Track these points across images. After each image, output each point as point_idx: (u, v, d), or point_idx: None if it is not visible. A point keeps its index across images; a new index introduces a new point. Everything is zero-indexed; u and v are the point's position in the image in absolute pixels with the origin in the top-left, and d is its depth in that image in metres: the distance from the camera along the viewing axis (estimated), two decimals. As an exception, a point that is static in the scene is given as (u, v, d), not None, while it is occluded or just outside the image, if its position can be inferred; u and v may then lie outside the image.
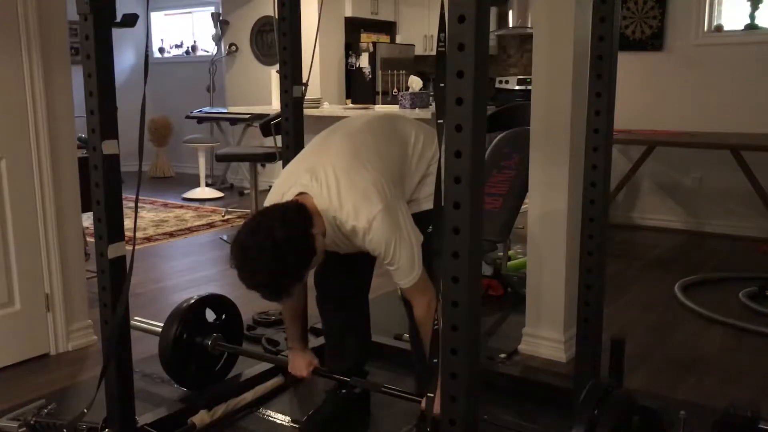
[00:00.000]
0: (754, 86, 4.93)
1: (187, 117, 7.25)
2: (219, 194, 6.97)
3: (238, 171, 7.56)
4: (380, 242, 1.87)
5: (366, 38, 7.39)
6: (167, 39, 8.79)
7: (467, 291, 1.32)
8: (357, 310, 2.40)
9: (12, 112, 2.73)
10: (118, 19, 1.88)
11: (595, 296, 2.16)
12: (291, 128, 2.66)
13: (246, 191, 6.95)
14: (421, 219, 2.01)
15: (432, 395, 1.56)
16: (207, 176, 7.36)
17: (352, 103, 6.99)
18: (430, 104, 5.36)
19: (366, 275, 2.35)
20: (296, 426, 2.33)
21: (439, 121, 1.37)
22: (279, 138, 2.88)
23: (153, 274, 4.19)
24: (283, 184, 2.01)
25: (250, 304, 2.89)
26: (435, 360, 1.41)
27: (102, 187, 1.91)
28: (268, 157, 5.28)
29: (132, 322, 2.57)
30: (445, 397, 1.38)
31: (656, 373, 2.74)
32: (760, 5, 5.06)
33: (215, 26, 7.81)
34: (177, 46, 8.75)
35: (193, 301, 2.50)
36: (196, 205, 6.53)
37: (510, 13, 7.16)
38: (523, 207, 3.43)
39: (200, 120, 7.24)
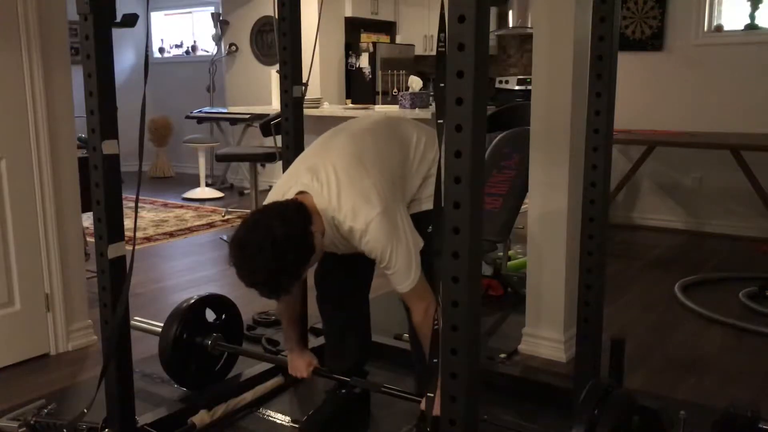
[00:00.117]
0: (754, 86, 4.93)
1: (187, 117, 7.25)
2: (219, 194, 6.97)
3: (238, 171, 7.56)
4: (376, 245, 1.87)
5: (366, 38, 7.39)
6: (167, 39, 8.79)
7: (467, 291, 1.32)
8: (357, 310, 2.40)
9: (12, 112, 2.73)
10: (118, 19, 1.87)
11: (595, 296, 2.16)
12: (291, 128, 2.66)
13: (246, 191, 6.95)
14: (421, 219, 2.01)
15: (432, 395, 1.56)
16: (207, 176, 7.36)
17: (352, 103, 6.99)
18: (430, 104, 5.36)
19: (366, 275, 2.35)
20: (296, 426, 2.33)
21: (439, 121, 1.37)
22: (279, 138, 2.88)
23: (153, 274, 4.19)
24: (284, 184, 2.01)
25: (250, 304, 2.89)
26: (435, 360, 1.41)
27: (102, 187, 1.91)
28: (268, 157, 5.28)
29: (132, 322, 2.57)
30: (445, 397, 1.38)
31: (656, 373, 2.74)
32: (760, 5, 5.05)
33: (215, 26, 7.81)
34: (177, 46, 8.75)
35: (193, 301, 2.50)
36: (196, 205, 6.53)
37: (510, 13, 7.16)
38: (523, 207, 3.43)
39: (200, 120, 7.24)
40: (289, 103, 2.64)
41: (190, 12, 8.59)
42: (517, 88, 7.20)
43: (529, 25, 6.92)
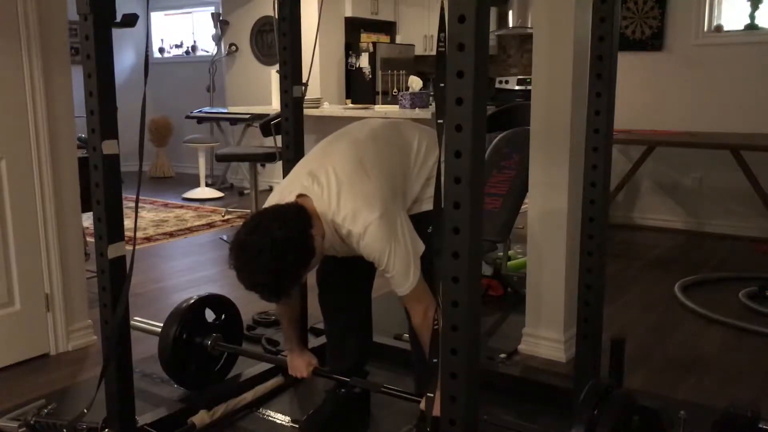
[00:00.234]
0: (754, 86, 4.93)
1: (187, 117, 7.25)
2: (219, 194, 6.97)
3: (238, 171, 7.56)
4: (374, 249, 1.88)
5: (366, 38, 7.39)
6: (167, 39, 8.79)
7: (467, 291, 1.32)
8: (358, 311, 2.40)
9: (12, 112, 2.73)
10: (118, 19, 1.87)
11: (595, 296, 2.16)
12: (291, 128, 2.66)
13: (246, 191, 6.95)
14: (422, 219, 2.02)
15: (432, 395, 1.56)
16: (207, 176, 7.36)
17: (352, 103, 6.99)
18: (430, 104, 5.36)
19: (368, 276, 2.35)
20: (296, 426, 2.33)
21: (439, 121, 1.37)
22: (279, 138, 2.88)
23: (153, 274, 4.19)
24: (284, 187, 2.02)
25: (250, 305, 2.89)
26: (435, 360, 1.41)
27: (102, 187, 1.91)
28: (268, 157, 5.28)
29: (132, 322, 2.57)
30: (445, 397, 1.38)
31: (656, 373, 2.74)
32: (760, 5, 5.05)
33: (215, 26, 7.81)
34: (177, 46, 8.75)
35: (192, 301, 2.50)
36: (196, 205, 6.53)
37: (510, 13, 7.16)
38: (523, 207, 3.43)
39: (200, 120, 7.24)
40: (289, 103, 2.64)
41: (190, 12, 8.59)
42: (517, 88, 7.20)
43: (529, 25, 6.91)
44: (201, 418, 2.27)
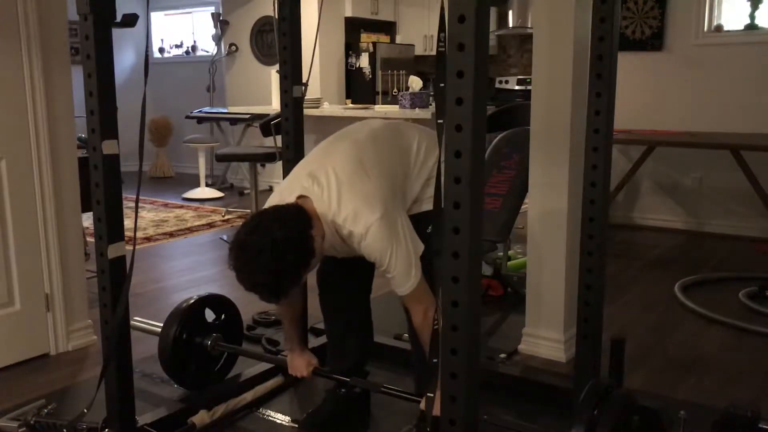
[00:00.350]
0: (754, 86, 4.93)
1: (187, 117, 7.25)
2: (219, 194, 6.97)
3: (238, 171, 7.56)
4: (375, 249, 1.88)
5: (366, 38, 7.39)
6: (167, 39, 8.78)
7: (467, 291, 1.32)
8: (358, 311, 2.40)
9: (12, 112, 2.73)
10: (118, 19, 1.87)
11: (595, 296, 2.15)
12: (291, 128, 2.66)
13: (246, 191, 6.95)
14: (422, 219, 2.02)
15: (432, 395, 1.56)
16: (207, 176, 7.36)
17: (352, 103, 6.99)
18: (430, 104, 5.36)
19: (367, 276, 2.35)
20: (296, 426, 2.33)
21: (439, 121, 1.37)
22: (279, 138, 2.88)
23: (153, 274, 4.19)
24: (284, 188, 2.02)
25: (250, 305, 2.89)
26: (435, 360, 1.41)
27: (102, 187, 1.91)
28: (268, 157, 5.28)
29: (132, 322, 2.57)
30: (445, 397, 1.38)
31: (656, 373, 2.74)
32: (760, 5, 5.05)
33: (215, 26, 7.81)
34: (177, 46, 8.75)
35: (192, 301, 2.50)
36: (196, 205, 6.53)
37: (510, 13, 7.16)
38: (523, 207, 3.43)
39: (200, 120, 7.24)
40: (289, 103, 2.64)
41: (190, 12, 8.59)
42: (517, 88, 7.20)
43: (529, 25, 6.92)
44: (201, 418, 2.27)
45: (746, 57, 4.97)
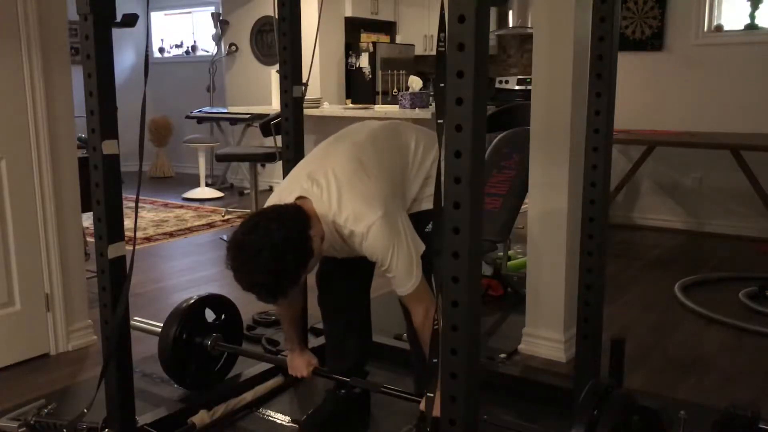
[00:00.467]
0: (754, 86, 4.93)
1: (187, 117, 7.25)
2: (219, 194, 6.97)
3: (238, 171, 7.56)
4: (377, 249, 1.88)
5: (366, 38, 7.39)
6: (167, 39, 8.78)
7: (467, 291, 1.32)
8: (358, 311, 2.40)
9: (12, 112, 2.73)
10: (118, 19, 1.87)
11: (595, 296, 2.15)
12: (291, 128, 2.66)
13: (246, 191, 6.95)
14: (421, 218, 2.02)
15: (432, 395, 1.56)
16: (207, 176, 7.36)
17: (352, 103, 6.99)
18: (430, 104, 5.36)
19: (367, 276, 2.35)
20: (296, 426, 2.33)
21: (439, 121, 1.37)
22: (279, 138, 2.88)
23: (153, 274, 4.19)
24: (283, 189, 2.02)
25: (250, 305, 2.88)
26: (435, 360, 1.41)
27: (102, 187, 1.91)
28: (268, 157, 5.28)
29: (132, 322, 2.57)
30: (445, 397, 1.38)
31: (656, 373, 2.74)
32: (760, 5, 5.05)
33: (215, 26, 7.81)
34: (177, 46, 8.75)
35: (192, 301, 2.50)
36: (196, 205, 6.53)
37: (510, 13, 7.16)
38: (523, 207, 3.43)
39: (200, 120, 7.24)
40: (289, 103, 2.64)
41: (190, 12, 8.59)
42: (517, 88, 7.20)
43: (529, 25, 6.92)
44: (201, 418, 2.27)
45: (746, 57, 4.97)
